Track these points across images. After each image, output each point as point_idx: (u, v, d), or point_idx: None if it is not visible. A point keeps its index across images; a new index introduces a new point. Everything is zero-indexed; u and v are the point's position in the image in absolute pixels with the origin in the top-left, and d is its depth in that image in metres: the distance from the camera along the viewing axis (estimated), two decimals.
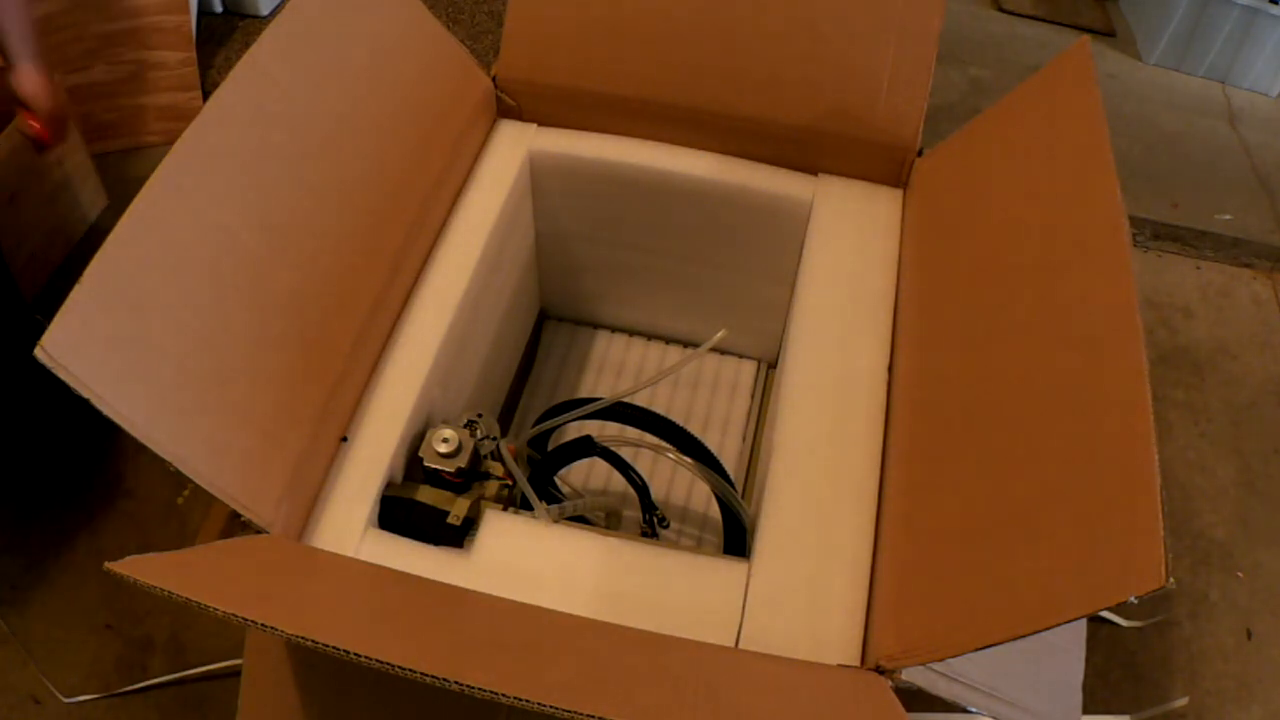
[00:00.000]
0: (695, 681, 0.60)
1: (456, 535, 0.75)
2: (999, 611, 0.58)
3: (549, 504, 0.88)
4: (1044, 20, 2.00)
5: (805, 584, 0.72)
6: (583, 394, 1.22)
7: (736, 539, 0.94)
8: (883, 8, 0.93)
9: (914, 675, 0.64)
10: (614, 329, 1.29)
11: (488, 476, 0.84)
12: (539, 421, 0.98)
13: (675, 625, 0.69)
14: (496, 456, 0.86)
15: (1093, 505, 0.56)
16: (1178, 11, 1.82)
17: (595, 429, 1.01)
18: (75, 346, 0.58)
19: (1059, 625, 0.53)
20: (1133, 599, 0.49)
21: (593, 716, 0.47)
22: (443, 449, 0.81)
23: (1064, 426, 0.62)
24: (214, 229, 0.69)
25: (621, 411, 0.99)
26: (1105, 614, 1.17)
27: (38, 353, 0.56)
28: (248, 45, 0.82)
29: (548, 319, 1.29)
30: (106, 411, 0.58)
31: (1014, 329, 0.73)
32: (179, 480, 1.19)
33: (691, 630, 0.69)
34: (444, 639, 0.59)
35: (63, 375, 0.56)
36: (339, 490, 0.76)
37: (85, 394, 0.57)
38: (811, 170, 1.00)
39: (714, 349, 1.26)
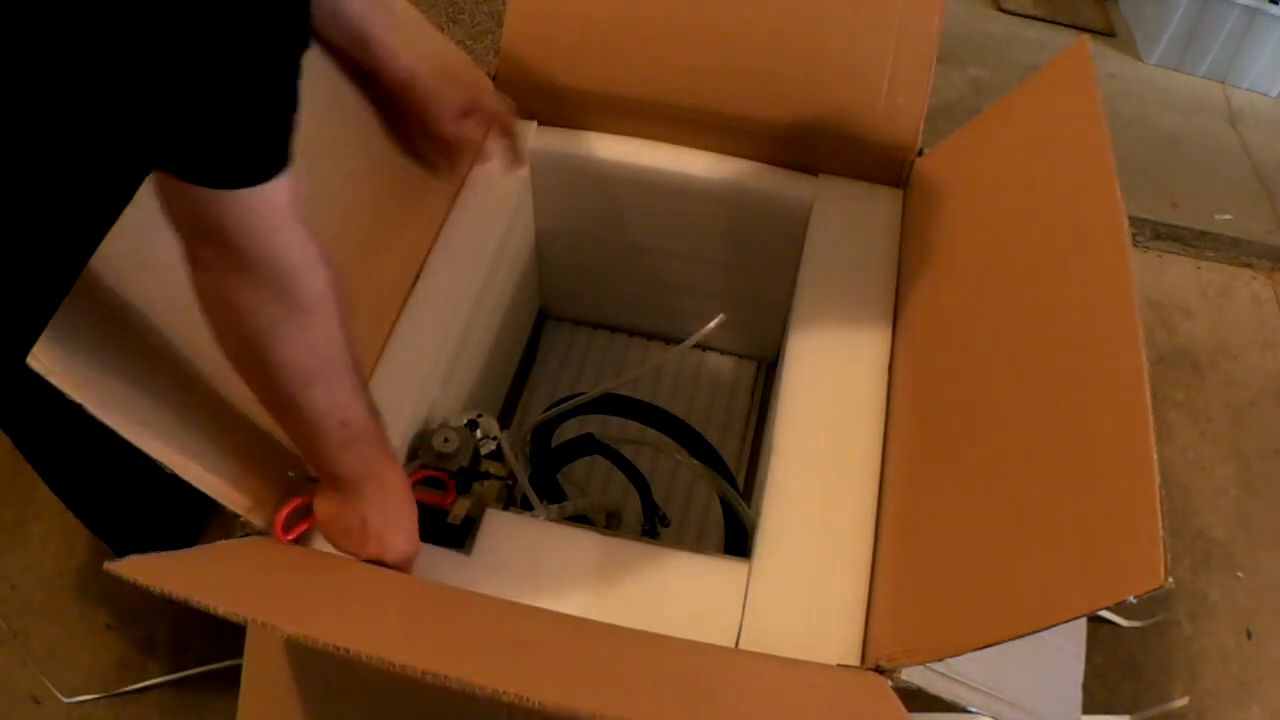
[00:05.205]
0: (695, 681, 0.60)
1: (456, 535, 0.75)
2: (999, 611, 0.58)
3: (550, 503, 0.88)
4: (1044, 20, 2.00)
5: (805, 584, 0.72)
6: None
7: (737, 539, 0.94)
8: (883, 8, 0.93)
9: (914, 675, 0.64)
10: (614, 329, 1.29)
11: (487, 476, 0.84)
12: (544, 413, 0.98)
13: (675, 625, 0.69)
14: (496, 456, 0.86)
15: (1093, 505, 0.56)
16: (1178, 11, 1.82)
17: (597, 426, 1.01)
18: (71, 350, 0.58)
19: (1059, 625, 0.53)
20: (1132, 599, 0.49)
21: (593, 716, 0.47)
22: (443, 449, 0.81)
23: (1063, 426, 0.62)
24: None
25: (626, 406, 0.99)
26: (1105, 614, 1.17)
27: (30, 361, 0.55)
28: None
29: (548, 319, 1.29)
30: (101, 417, 0.58)
31: (1014, 329, 0.73)
32: None
33: (691, 630, 0.69)
34: (444, 639, 0.59)
35: (56, 382, 0.56)
36: None
37: (79, 400, 0.57)
38: (811, 170, 1.00)
39: (714, 349, 1.26)
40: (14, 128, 0.60)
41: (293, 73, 0.51)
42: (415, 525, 0.71)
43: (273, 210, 0.53)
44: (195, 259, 0.55)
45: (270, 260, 0.54)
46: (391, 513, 0.69)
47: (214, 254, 0.54)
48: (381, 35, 0.79)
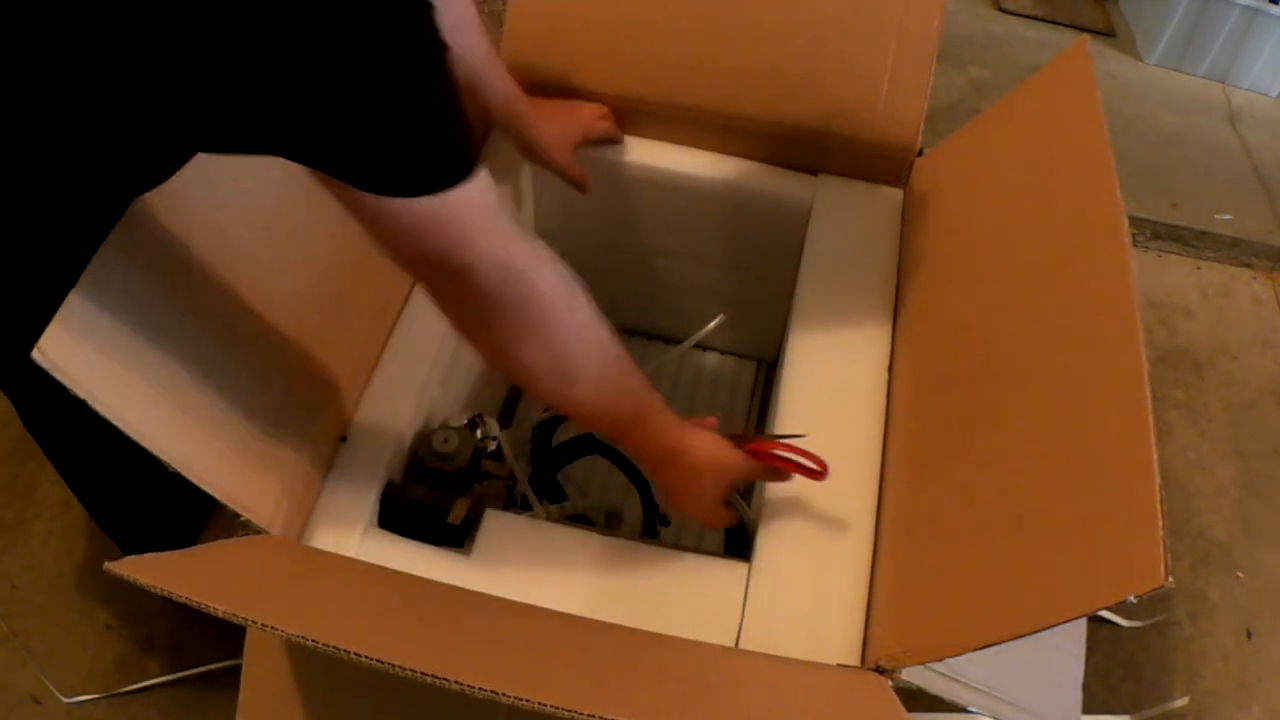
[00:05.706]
0: (695, 681, 0.60)
1: (456, 535, 0.75)
2: (999, 611, 0.58)
3: (550, 503, 0.88)
4: (1044, 20, 2.00)
5: (805, 584, 0.72)
6: None
7: (737, 539, 0.94)
8: (883, 8, 0.93)
9: (914, 675, 0.64)
10: (614, 329, 1.28)
11: (488, 476, 0.84)
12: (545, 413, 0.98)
13: (675, 625, 0.69)
14: (497, 456, 0.86)
15: (1092, 505, 0.56)
16: (1178, 11, 1.82)
17: None
18: (73, 348, 0.58)
19: (1059, 625, 0.53)
20: (1132, 599, 0.49)
21: (593, 716, 0.47)
22: (443, 449, 0.81)
23: (1063, 426, 0.62)
24: (211, 230, 0.69)
25: None
26: (1105, 614, 1.17)
27: (35, 355, 0.55)
28: None
29: None
30: (104, 413, 0.58)
31: (1014, 329, 0.73)
32: None
33: (691, 630, 0.69)
34: (444, 639, 0.59)
35: (60, 377, 0.56)
36: (339, 490, 0.76)
37: (83, 395, 0.57)
38: (811, 170, 1.00)
39: (714, 349, 1.26)
40: (28, 124, 0.60)
41: (438, 65, 0.50)
42: (711, 493, 0.73)
43: (470, 215, 0.53)
44: (426, 288, 0.56)
45: (481, 267, 0.53)
46: (686, 484, 0.72)
47: (430, 274, 0.54)
48: (476, 57, 0.81)
